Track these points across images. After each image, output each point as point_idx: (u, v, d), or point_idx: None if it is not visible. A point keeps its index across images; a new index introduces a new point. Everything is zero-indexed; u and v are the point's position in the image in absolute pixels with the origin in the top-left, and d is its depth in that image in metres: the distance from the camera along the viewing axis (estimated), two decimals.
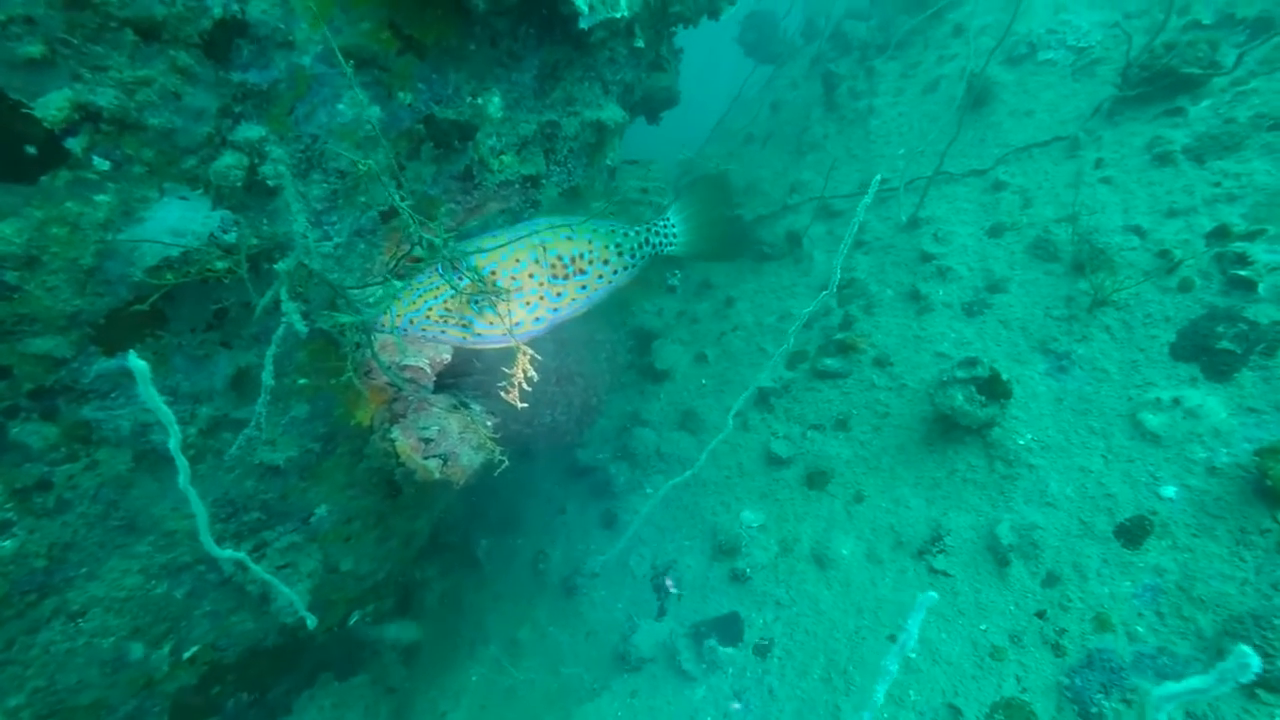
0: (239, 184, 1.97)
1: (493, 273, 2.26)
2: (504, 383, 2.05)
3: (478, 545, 4.87)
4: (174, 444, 1.82)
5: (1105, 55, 4.15)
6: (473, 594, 4.72)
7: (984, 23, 5.33)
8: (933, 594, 1.55)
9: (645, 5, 3.04)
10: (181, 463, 1.85)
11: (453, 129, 2.48)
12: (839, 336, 3.92)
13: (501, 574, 4.72)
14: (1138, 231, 3.09)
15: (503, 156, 2.73)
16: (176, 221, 1.90)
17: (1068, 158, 3.76)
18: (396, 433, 2.53)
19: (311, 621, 2.69)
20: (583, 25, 2.58)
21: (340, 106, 2.20)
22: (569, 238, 2.42)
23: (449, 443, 2.62)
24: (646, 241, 2.70)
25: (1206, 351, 2.59)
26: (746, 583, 3.20)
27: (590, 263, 2.48)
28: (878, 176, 2.43)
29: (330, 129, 2.20)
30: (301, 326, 1.91)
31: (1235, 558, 2.18)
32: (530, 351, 2.07)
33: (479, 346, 2.35)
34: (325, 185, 2.25)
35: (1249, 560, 2.19)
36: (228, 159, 1.94)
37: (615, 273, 2.59)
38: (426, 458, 2.56)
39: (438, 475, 2.60)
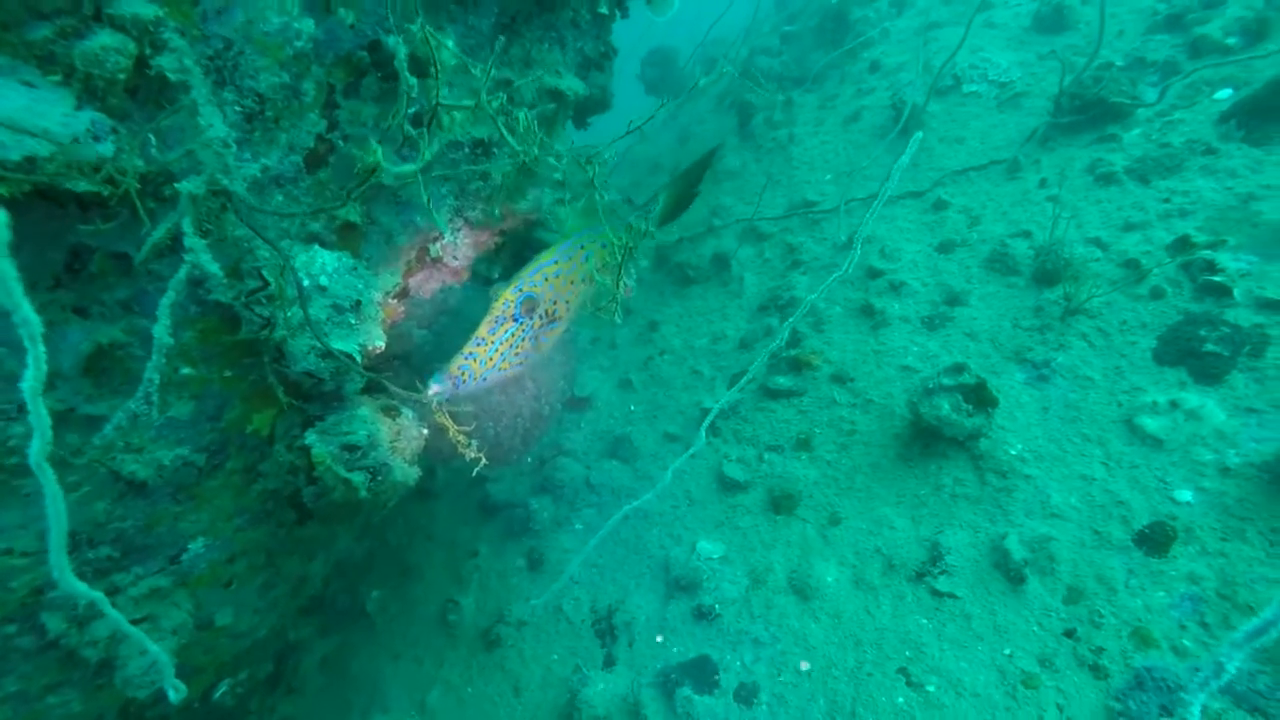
0: (121, 77, 1.43)
1: (555, 303, 2.26)
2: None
3: (367, 598, 4.15)
4: (37, 451, 1.15)
5: (1027, 90, 4.32)
6: (364, 656, 4.00)
7: (899, 60, 5.51)
8: None
9: None
10: (50, 481, 1.17)
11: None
12: (789, 353, 3.70)
13: (400, 629, 4.03)
14: (1099, 244, 3.10)
15: (454, 112, 2.29)
16: (16, 114, 1.32)
17: (1008, 180, 3.81)
18: (313, 437, 1.97)
19: (178, 694, 2.01)
20: None
21: (265, 9, 1.72)
22: (605, 245, 2.40)
23: (379, 453, 2.07)
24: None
25: (1193, 355, 2.55)
26: (715, 621, 2.80)
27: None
28: (907, 153, 2.21)
29: (249, 36, 1.71)
30: (215, 268, 1.38)
31: (1275, 559, 2.07)
32: None
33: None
34: (239, 109, 1.74)
35: None
36: (105, 39, 1.40)
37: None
38: (351, 470, 2.00)
39: (364, 493, 2.04)
